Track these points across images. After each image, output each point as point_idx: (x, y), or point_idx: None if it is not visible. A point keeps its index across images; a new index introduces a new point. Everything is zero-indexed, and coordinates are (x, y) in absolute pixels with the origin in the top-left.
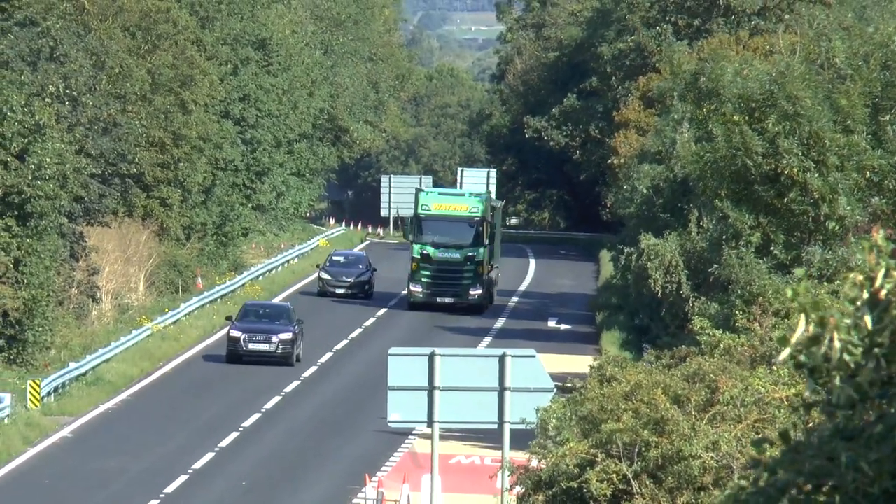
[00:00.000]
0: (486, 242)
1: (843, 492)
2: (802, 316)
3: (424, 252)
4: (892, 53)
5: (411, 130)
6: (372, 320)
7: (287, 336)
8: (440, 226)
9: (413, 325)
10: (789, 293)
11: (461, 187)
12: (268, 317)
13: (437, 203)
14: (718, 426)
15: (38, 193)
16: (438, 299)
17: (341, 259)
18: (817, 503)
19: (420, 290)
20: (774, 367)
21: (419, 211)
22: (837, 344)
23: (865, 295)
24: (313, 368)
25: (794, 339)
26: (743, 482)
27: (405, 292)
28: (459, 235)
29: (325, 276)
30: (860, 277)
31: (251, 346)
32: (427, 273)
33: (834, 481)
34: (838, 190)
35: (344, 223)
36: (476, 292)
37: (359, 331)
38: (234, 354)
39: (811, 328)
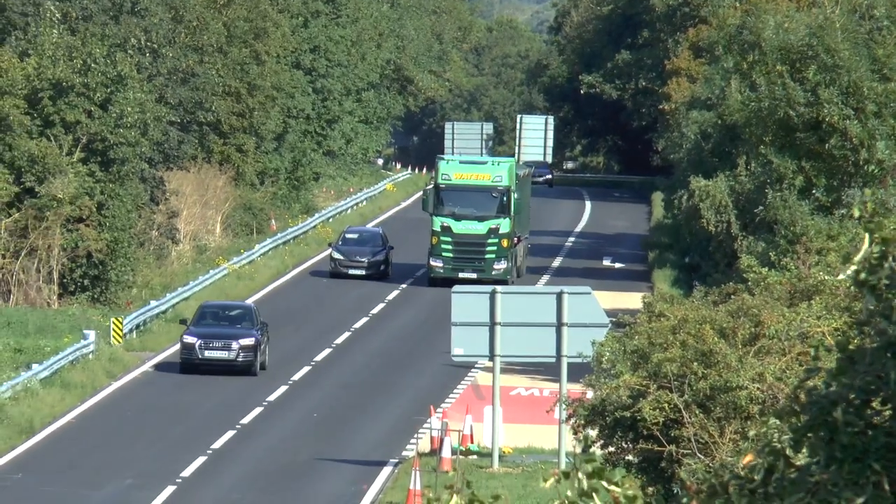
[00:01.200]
0: (512, 213)
1: (891, 407)
2: (867, 235)
3: (445, 224)
4: None
5: (473, 80)
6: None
7: (249, 342)
8: (462, 196)
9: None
10: (856, 212)
11: (520, 135)
12: (228, 319)
13: (459, 172)
14: (763, 359)
15: (120, 140)
16: (460, 274)
17: (355, 236)
18: (866, 416)
19: (441, 264)
20: (815, 302)
21: (439, 181)
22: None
23: None
24: (381, 305)
25: (858, 258)
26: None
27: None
28: (482, 206)
29: (337, 255)
30: None
31: (207, 353)
32: (448, 247)
33: (882, 396)
34: (876, 136)
35: (409, 168)
36: (501, 266)
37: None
38: (189, 364)
39: (875, 248)
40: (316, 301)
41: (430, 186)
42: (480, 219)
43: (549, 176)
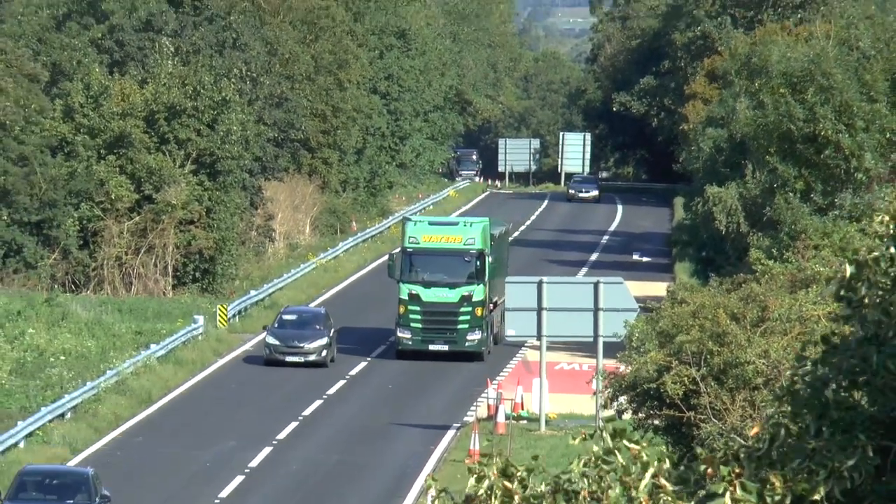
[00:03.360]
0: (486, 279)
1: (873, 387)
2: (846, 263)
3: (413, 292)
4: None
5: (522, 102)
6: None
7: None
8: (431, 261)
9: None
10: (837, 238)
11: (562, 149)
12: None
13: (428, 234)
14: (768, 338)
15: (225, 155)
16: (431, 346)
17: (293, 317)
18: (852, 397)
19: (409, 336)
20: (812, 290)
21: (406, 244)
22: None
23: (891, 230)
24: None
25: (837, 279)
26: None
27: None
28: (454, 272)
29: (272, 340)
30: (886, 217)
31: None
32: (417, 317)
33: (866, 378)
34: (864, 148)
35: (446, 177)
36: (474, 337)
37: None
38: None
39: (848, 270)
40: (385, 290)
41: (397, 250)
42: (452, 286)
43: (596, 192)
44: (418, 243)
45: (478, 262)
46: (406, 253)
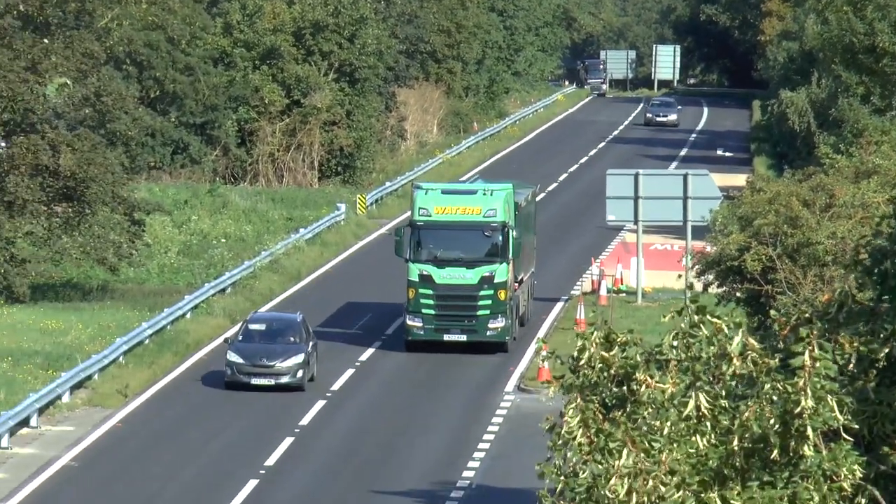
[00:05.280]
0: (510, 256)
1: None
2: None
3: (424, 273)
4: None
5: (620, 19)
6: None
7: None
8: (445, 237)
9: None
10: (894, 135)
11: (655, 60)
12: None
13: (440, 205)
14: (835, 222)
15: (363, 65)
16: (446, 337)
17: (261, 327)
18: None
19: (420, 324)
20: (873, 180)
21: (416, 217)
22: None
23: None
24: (555, 185)
25: None
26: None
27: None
28: (472, 249)
29: (234, 357)
30: None
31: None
32: (429, 302)
33: None
34: None
35: (575, 84)
36: (497, 325)
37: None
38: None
39: None
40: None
41: (406, 225)
42: (470, 265)
43: (675, 117)
44: (429, 215)
45: (500, 237)
46: (415, 227)
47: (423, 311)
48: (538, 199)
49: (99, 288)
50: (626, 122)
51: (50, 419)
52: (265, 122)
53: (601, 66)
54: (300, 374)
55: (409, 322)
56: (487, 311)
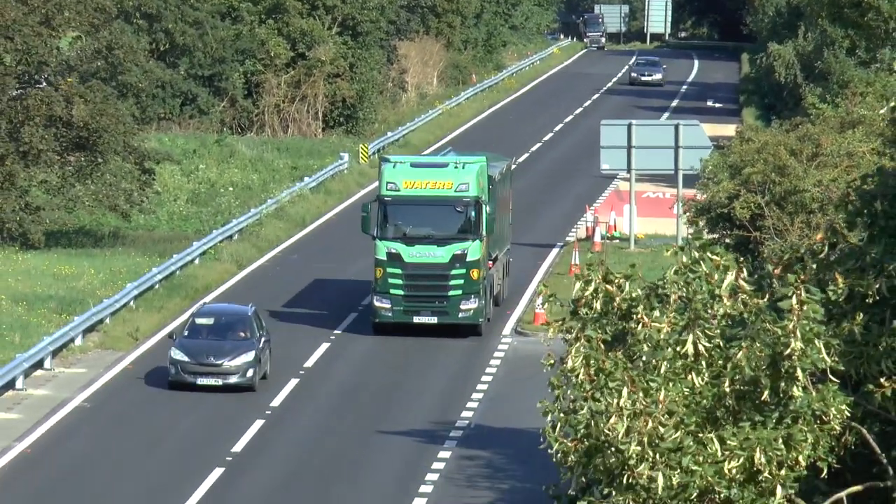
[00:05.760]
0: (483, 232)
1: None
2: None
3: (392, 251)
4: None
5: None
6: None
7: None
8: (414, 212)
9: None
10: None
11: (648, 13)
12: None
13: (409, 179)
14: (821, 170)
15: (365, 19)
16: (415, 319)
17: (208, 322)
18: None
19: (388, 305)
20: (858, 130)
21: (383, 192)
22: None
23: None
24: (550, 135)
25: (893, 103)
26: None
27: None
28: (443, 225)
29: (178, 355)
30: None
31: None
32: (398, 282)
33: None
34: None
35: (573, 38)
36: (469, 306)
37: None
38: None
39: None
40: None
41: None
42: (441, 242)
43: (660, 76)
44: (398, 190)
45: (473, 213)
46: (383, 202)
47: (392, 291)
48: (514, 167)
49: (110, 234)
50: (619, 75)
51: (63, 361)
52: (271, 74)
53: (599, 20)
54: (250, 373)
55: (376, 303)
56: (459, 292)
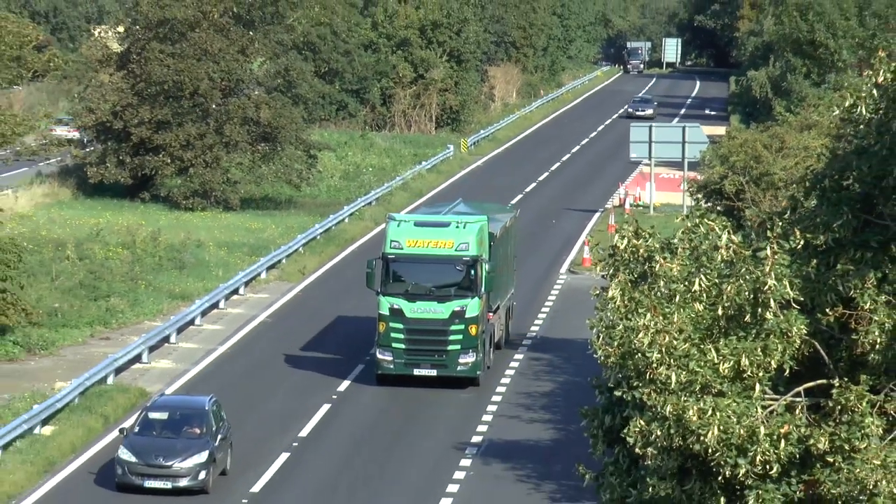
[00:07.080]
0: (482, 290)
1: (855, 178)
2: (848, 94)
3: (395, 307)
4: None
5: (641, 20)
6: None
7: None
8: (416, 270)
9: None
10: (826, 101)
11: (664, 48)
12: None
13: (412, 238)
14: (786, 159)
15: (465, 50)
16: (416, 371)
17: (162, 416)
18: (842, 186)
19: (390, 358)
20: (812, 131)
21: (387, 249)
22: (864, 109)
23: (877, 79)
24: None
25: (843, 107)
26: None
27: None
28: (443, 283)
29: (126, 455)
30: (870, 72)
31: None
32: (399, 336)
33: (850, 173)
34: (842, 47)
35: (618, 65)
36: (468, 360)
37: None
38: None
39: (848, 101)
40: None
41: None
42: (441, 299)
43: (651, 111)
44: (401, 248)
45: (472, 272)
46: (387, 260)
47: (394, 345)
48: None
49: (286, 201)
50: (644, 91)
51: (253, 289)
52: (399, 89)
53: (639, 52)
54: (202, 475)
55: (379, 356)
56: (458, 346)
